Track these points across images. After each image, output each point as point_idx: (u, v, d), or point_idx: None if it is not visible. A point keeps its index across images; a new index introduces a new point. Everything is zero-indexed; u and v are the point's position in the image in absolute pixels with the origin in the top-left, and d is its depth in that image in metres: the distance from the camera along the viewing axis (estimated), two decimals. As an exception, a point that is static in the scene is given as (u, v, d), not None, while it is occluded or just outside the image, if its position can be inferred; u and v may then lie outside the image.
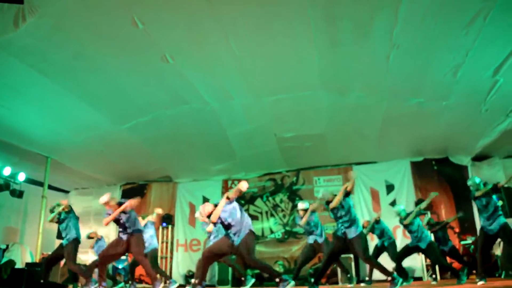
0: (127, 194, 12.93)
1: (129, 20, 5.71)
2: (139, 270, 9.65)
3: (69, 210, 7.59)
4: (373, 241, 9.44)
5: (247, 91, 7.88)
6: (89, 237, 9.85)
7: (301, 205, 8.02)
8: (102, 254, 6.59)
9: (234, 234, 5.37)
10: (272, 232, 11.78)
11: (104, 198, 6.77)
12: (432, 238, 8.35)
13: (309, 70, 7.14)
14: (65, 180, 12.50)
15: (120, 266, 10.20)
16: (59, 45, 6.21)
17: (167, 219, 12.29)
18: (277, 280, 5.12)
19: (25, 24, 5.54)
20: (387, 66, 6.83)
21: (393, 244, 8.57)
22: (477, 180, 6.63)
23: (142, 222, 8.31)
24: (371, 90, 7.75)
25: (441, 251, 7.95)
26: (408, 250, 7.70)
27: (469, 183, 6.70)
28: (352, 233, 6.09)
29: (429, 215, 9.39)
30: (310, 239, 7.81)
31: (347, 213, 6.21)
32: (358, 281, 9.13)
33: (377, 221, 8.74)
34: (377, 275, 8.38)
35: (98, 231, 11.23)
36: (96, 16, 5.69)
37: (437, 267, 9.23)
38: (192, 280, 5.59)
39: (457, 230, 10.18)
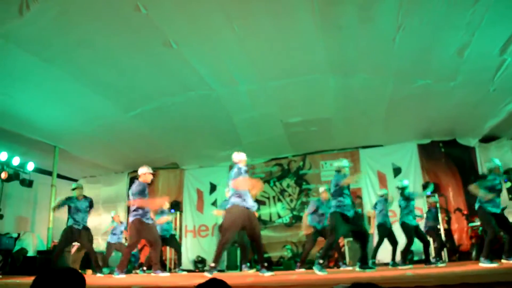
0: (134, 181, 13.03)
1: (132, 6, 5.68)
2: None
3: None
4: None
5: (252, 76, 7.85)
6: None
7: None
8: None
9: None
10: (279, 217, 11.84)
11: None
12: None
13: (314, 54, 7.09)
14: (73, 169, 12.62)
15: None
16: (63, 33, 6.21)
17: (175, 206, 12.38)
18: None
19: (29, 12, 5.55)
20: (392, 48, 6.76)
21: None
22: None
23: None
24: (377, 73, 7.69)
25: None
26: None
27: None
28: None
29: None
30: None
31: None
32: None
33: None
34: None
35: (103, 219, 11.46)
36: (99, 3, 5.67)
37: (445, 250, 9.28)
38: None
39: (465, 212, 10.17)
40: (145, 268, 9.05)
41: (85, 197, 7.82)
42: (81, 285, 1.82)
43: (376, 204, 8.88)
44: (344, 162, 6.51)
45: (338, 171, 6.48)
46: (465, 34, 6.32)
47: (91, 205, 7.85)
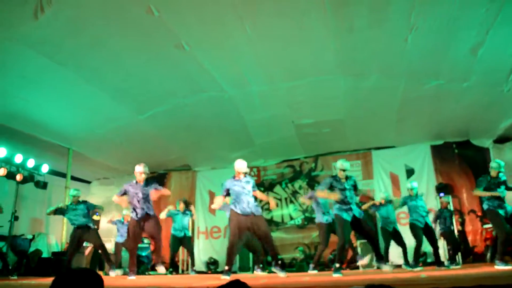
0: (147, 183, 13.09)
1: (144, 8, 5.73)
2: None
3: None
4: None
5: (264, 78, 7.86)
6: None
7: None
8: None
9: None
10: (291, 218, 11.82)
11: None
12: None
13: (326, 55, 7.08)
14: (87, 171, 12.74)
15: (143, 254, 10.38)
16: (76, 36, 6.27)
17: (188, 207, 12.42)
18: None
19: (43, 15, 5.62)
20: (404, 48, 6.72)
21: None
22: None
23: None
24: (389, 73, 7.65)
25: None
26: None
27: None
28: None
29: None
30: None
31: None
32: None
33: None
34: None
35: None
36: (112, 6, 5.73)
37: (459, 252, 9.20)
38: None
39: (479, 214, 10.07)
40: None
41: (80, 201, 7.99)
42: (99, 286, 1.84)
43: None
44: (343, 165, 6.44)
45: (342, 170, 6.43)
46: (479, 33, 6.25)
47: (88, 207, 8.01)
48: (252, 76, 7.79)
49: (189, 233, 9.62)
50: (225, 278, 5.30)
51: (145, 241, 10.80)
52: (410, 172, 10.97)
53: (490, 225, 9.51)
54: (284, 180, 12.23)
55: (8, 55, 6.54)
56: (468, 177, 10.49)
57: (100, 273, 8.88)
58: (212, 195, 12.48)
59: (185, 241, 9.25)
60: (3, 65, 6.83)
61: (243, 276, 6.90)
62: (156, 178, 13.08)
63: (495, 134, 9.99)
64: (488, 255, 9.10)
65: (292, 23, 6.24)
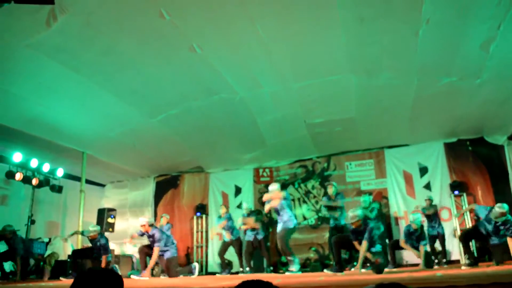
0: (160, 185, 13.25)
1: (156, 13, 5.79)
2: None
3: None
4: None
5: (275, 78, 7.87)
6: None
7: None
8: None
9: None
10: (305, 218, 11.81)
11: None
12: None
13: (336, 52, 7.05)
14: (101, 174, 12.87)
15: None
16: (89, 42, 6.37)
17: (201, 209, 12.51)
18: None
19: (56, 23, 5.72)
20: (416, 43, 6.65)
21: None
22: None
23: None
24: (400, 70, 7.60)
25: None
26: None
27: None
28: None
29: None
30: None
31: None
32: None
33: None
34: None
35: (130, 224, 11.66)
36: (124, 11, 5.79)
37: (475, 250, 9.11)
38: None
39: (494, 211, 9.95)
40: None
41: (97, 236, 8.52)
42: (119, 285, 1.88)
43: None
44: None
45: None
46: (491, 27, 6.16)
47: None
48: (264, 77, 7.81)
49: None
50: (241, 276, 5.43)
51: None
52: (423, 171, 10.89)
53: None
54: (297, 180, 12.22)
55: (26, 62, 6.65)
56: (482, 174, 10.37)
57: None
58: (225, 196, 12.53)
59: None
60: (21, 72, 6.97)
61: (256, 276, 6.92)
62: (169, 180, 13.20)
63: (509, 130, 9.88)
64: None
65: (303, 22, 6.22)
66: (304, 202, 11.97)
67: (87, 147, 10.41)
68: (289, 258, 7.68)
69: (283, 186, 12.18)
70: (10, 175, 9.70)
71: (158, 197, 13.18)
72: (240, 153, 11.57)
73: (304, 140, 10.78)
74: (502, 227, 6.88)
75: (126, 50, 6.69)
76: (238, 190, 12.50)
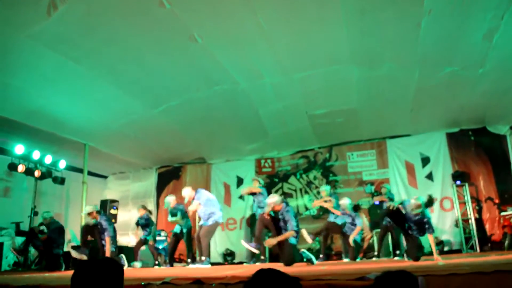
0: (163, 176, 13.28)
1: (156, 2, 5.75)
2: (179, 250, 10.01)
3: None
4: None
5: (277, 69, 7.85)
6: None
7: None
8: None
9: None
10: (307, 209, 11.83)
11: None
12: None
13: (338, 43, 7.02)
14: (103, 166, 12.90)
15: (160, 247, 10.48)
16: (89, 32, 6.33)
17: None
18: None
19: (56, 12, 5.68)
20: (418, 34, 6.62)
21: None
22: None
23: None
24: (402, 60, 7.56)
25: None
26: None
27: None
28: None
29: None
30: None
31: None
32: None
33: None
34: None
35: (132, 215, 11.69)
36: (124, 1, 5.77)
37: (476, 240, 9.14)
38: None
39: (496, 201, 9.97)
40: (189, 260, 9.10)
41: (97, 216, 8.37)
42: (119, 274, 1.91)
43: None
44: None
45: None
46: (494, 17, 6.12)
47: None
48: (265, 67, 7.78)
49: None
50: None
51: (162, 233, 10.92)
52: (425, 161, 10.88)
53: (508, 212, 9.43)
54: (299, 170, 12.23)
55: (26, 54, 6.63)
56: (484, 164, 10.36)
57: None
58: (227, 187, 12.56)
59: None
60: (22, 64, 6.95)
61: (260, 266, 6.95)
62: (171, 171, 13.22)
63: (512, 120, 9.86)
64: (506, 242, 9.03)
65: (304, 11, 6.17)
66: (306, 192, 11.98)
67: (89, 138, 10.40)
68: None
69: (285, 177, 12.22)
70: (13, 167, 9.74)
71: (160, 188, 13.22)
72: (242, 144, 11.57)
73: (306, 130, 10.77)
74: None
75: (126, 40, 6.64)
76: (240, 181, 12.51)
